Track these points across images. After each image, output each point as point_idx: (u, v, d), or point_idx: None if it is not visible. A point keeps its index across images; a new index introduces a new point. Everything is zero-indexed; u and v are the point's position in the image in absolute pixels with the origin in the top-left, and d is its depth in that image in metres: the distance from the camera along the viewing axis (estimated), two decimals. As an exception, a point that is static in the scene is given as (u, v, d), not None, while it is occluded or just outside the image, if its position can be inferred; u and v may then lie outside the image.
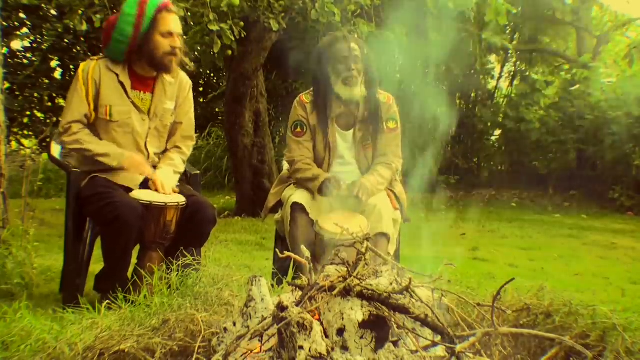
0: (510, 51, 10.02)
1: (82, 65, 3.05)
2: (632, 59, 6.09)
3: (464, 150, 9.95)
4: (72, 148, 3.03)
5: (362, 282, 1.70)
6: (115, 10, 4.30)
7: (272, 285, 2.56)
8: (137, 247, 2.99)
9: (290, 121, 3.28)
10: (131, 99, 3.03)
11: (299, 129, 3.24)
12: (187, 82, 3.23)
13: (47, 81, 9.52)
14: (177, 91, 3.16)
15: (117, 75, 3.01)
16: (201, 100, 10.63)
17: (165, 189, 2.96)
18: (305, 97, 3.28)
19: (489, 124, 9.95)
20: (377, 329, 1.66)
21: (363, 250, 1.82)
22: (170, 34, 2.98)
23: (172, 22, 3.00)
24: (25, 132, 9.68)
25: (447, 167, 9.29)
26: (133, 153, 3.03)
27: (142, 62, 3.04)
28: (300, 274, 2.72)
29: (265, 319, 1.73)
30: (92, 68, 3.00)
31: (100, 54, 3.12)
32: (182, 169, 3.18)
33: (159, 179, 2.99)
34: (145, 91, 3.07)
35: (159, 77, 3.09)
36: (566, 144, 8.77)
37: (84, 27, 4.62)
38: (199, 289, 2.23)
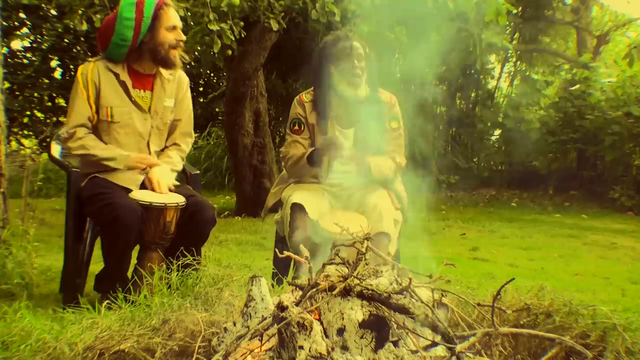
0: (510, 51, 10.03)
1: (80, 68, 3.04)
2: (632, 59, 6.08)
3: (464, 150, 9.96)
4: (77, 154, 3.01)
5: (362, 282, 1.70)
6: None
7: (272, 285, 2.56)
8: (137, 247, 2.99)
9: (289, 119, 3.29)
10: (133, 98, 3.02)
11: (296, 127, 3.25)
12: (185, 79, 3.23)
13: (47, 81, 9.54)
14: (175, 88, 3.16)
15: (117, 75, 3.00)
16: (201, 100, 10.63)
17: (161, 187, 2.95)
18: (305, 96, 3.28)
19: (489, 124, 9.97)
20: (377, 329, 1.66)
21: (363, 250, 1.82)
22: (174, 28, 3.01)
23: (174, 16, 3.02)
24: (25, 132, 9.70)
25: (447, 167, 9.30)
26: (137, 153, 3.03)
27: (142, 60, 3.03)
28: (301, 274, 2.72)
29: (265, 318, 1.73)
30: (90, 70, 2.98)
31: (99, 55, 3.12)
32: (179, 167, 3.18)
33: (154, 176, 2.98)
34: (145, 89, 3.07)
35: (157, 74, 3.09)
36: (566, 144, 8.78)
37: (84, 27, 4.62)
38: (199, 289, 2.23)
